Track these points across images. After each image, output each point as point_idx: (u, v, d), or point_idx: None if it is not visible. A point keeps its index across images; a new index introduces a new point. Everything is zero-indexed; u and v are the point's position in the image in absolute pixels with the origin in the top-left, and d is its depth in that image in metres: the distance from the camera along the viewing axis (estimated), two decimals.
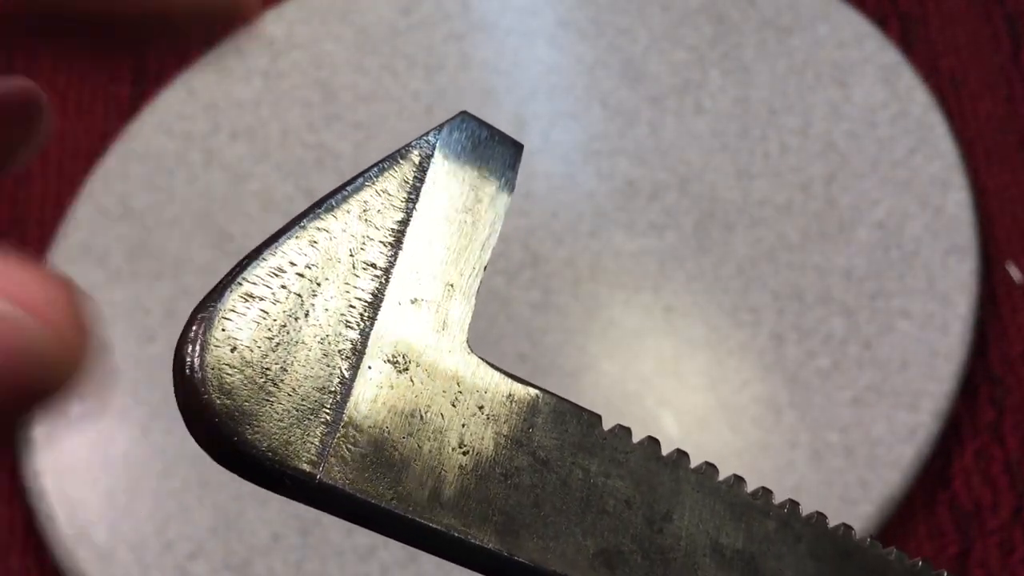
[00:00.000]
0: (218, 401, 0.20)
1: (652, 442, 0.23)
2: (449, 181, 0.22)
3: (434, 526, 0.20)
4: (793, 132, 0.59)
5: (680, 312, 0.56)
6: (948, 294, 0.54)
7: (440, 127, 0.23)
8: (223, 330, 0.20)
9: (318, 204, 0.22)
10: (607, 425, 0.23)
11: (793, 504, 0.24)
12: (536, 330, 0.55)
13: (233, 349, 0.20)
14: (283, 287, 0.21)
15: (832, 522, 0.24)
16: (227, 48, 0.66)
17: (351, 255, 0.21)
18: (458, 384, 0.21)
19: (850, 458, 0.51)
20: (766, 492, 0.24)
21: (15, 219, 0.63)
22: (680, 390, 0.54)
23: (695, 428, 0.52)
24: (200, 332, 0.20)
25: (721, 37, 0.62)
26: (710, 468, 0.23)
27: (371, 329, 0.21)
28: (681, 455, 0.23)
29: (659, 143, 0.60)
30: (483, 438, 0.21)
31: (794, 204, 0.57)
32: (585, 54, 0.63)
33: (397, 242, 0.22)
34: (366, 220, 0.22)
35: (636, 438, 0.23)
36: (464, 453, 0.21)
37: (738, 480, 0.23)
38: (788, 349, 0.54)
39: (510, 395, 0.22)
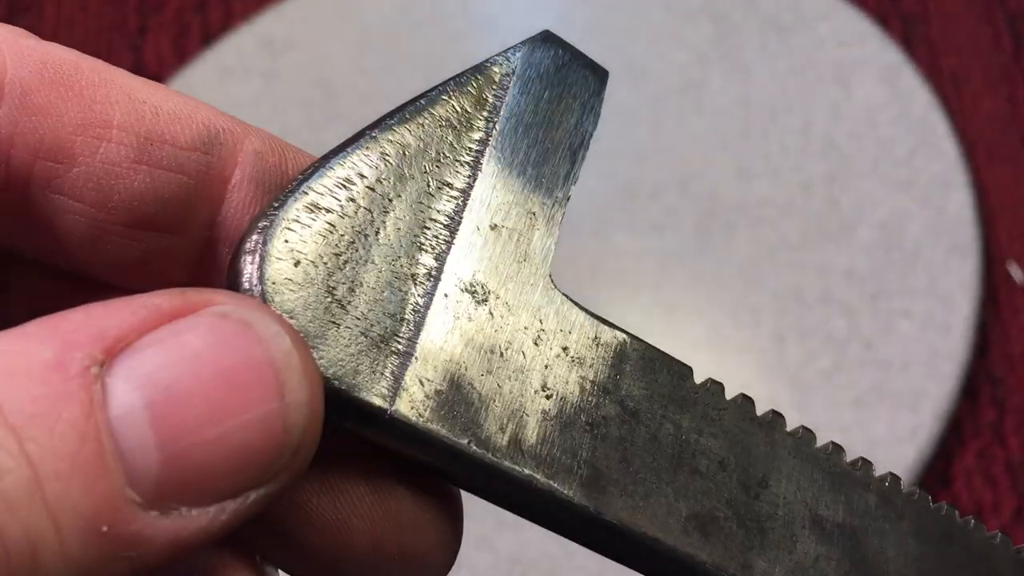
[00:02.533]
0: None
1: (746, 400, 0.21)
2: (530, 103, 0.21)
3: (515, 473, 0.18)
4: (794, 132, 0.59)
5: (681, 312, 0.55)
6: (949, 294, 0.53)
7: (520, 45, 0.21)
8: (286, 241, 0.18)
9: (390, 115, 0.20)
10: (698, 378, 0.21)
11: (895, 478, 0.22)
12: None
13: (296, 263, 0.18)
14: (351, 200, 0.19)
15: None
16: (227, 47, 0.66)
17: (425, 172, 0.20)
18: (541, 321, 0.20)
19: (851, 458, 0.51)
20: (866, 463, 0.22)
21: None
22: None
23: None
24: (260, 242, 0.18)
25: (722, 37, 0.62)
26: (807, 433, 0.21)
27: (447, 254, 0.19)
28: (776, 416, 0.21)
29: (660, 143, 0.60)
30: (567, 382, 0.19)
31: (795, 204, 0.57)
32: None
33: (475, 163, 0.20)
34: (442, 136, 0.20)
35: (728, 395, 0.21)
36: (547, 397, 0.19)
37: (836, 448, 0.21)
38: (789, 349, 0.54)
39: (596, 338, 0.20)
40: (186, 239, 0.21)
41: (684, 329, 0.55)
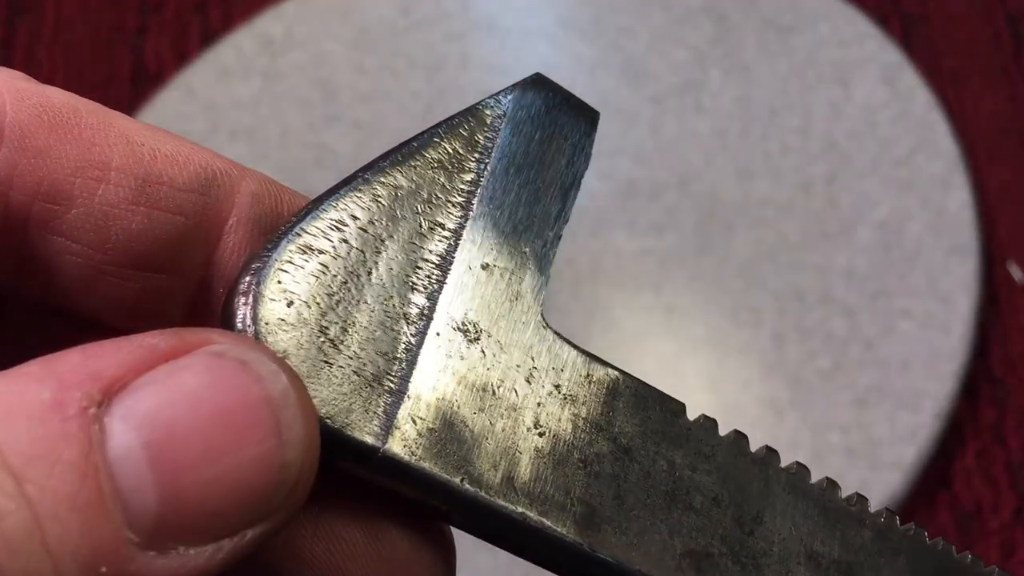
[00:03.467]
0: None
1: (739, 436, 0.21)
2: (521, 144, 0.21)
3: (509, 512, 0.19)
4: (794, 132, 0.59)
5: (681, 312, 0.55)
6: (949, 294, 0.53)
7: (510, 88, 0.21)
8: (279, 282, 0.18)
9: (382, 158, 0.20)
10: (691, 415, 0.21)
11: (890, 514, 0.22)
12: None
13: (290, 304, 0.18)
14: (344, 241, 0.19)
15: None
16: (226, 47, 0.66)
17: (417, 213, 0.20)
18: (533, 359, 0.20)
19: (851, 458, 0.51)
20: (861, 499, 0.22)
21: None
22: (681, 390, 0.53)
23: None
24: (254, 283, 0.18)
25: (722, 36, 0.62)
26: (801, 468, 0.21)
27: (439, 294, 0.19)
28: (770, 452, 0.21)
29: (659, 143, 0.60)
30: (560, 419, 0.19)
31: (795, 204, 0.57)
32: (585, 53, 0.63)
33: (467, 203, 0.20)
34: (434, 178, 0.20)
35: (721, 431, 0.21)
36: (540, 434, 0.19)
37: (831, 484, 0.21)
38: (789, 349, 0.54)
39: (588, 375, 0.20)
40: (181, 279, 0.21)
41: (684, 329, 0.55)
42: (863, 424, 0.51)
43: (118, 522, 0.16)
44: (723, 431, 0.21)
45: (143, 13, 0.69)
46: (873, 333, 0.53)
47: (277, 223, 0.21)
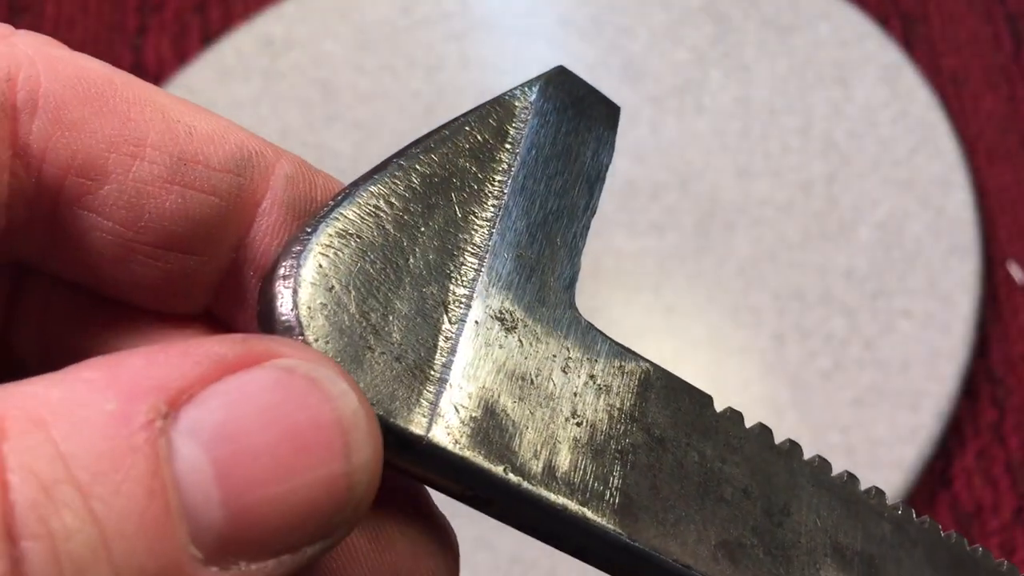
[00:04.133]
0: (316, 344, 0.18)
1: (764, 429, 0.21)
2: (549, 135, 0.21)
3: (550, 501, 0.18)
4: (794, 132, 0.59)
5: (680, 312, 0.55)
6: (949, 294, 0.53)
7: (536, 80, 0.21)
8: (320, 266, 0.18)
9: (415, 144, 0.20)
10: (718, 407, 0.21)
11: (906, 507, 0.22)
12: None
13: (330, 289, 0.18)
14: (381, 227, 0.19)
15: None
16: (226, 47, 0.66)
17: (452, 202, 0.20)
18: (568, 349, 0.20)
19: (851, 458, 0.51)
20: (879, 492, 0.22)
21: None
22: None
23: None
24: (294, 267, 0.18)
25: (722, 36, 0.62)
26: (823, 462, 0.22)
27: (476, 282, 0.19)
28: (794, 445, 0.21)
29: (659, 143, 0.60)
30: (596, 409, 0.19)
31: (795, 204, 0.57)
32: (585, 53, 0.63)
33: (500, 193, 0.20)
34: (466, 167, 0.20)
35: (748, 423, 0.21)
36: (578, 424, 0.19)
37: (851, 477, 0.22)
38: (789, 349, 0.54)
39: (621, 366, 0.20)
40: (212, 261, 0.21)
41: (684, 329, 0.55)
42: (863, 424, 0.51)
43: (183, 539, 0.15)
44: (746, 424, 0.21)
45: (143, 13, 0.69)
46: (873, 333, 0.53)
47: (310, 207, 0.21)
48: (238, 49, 0.66)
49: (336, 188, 0.21)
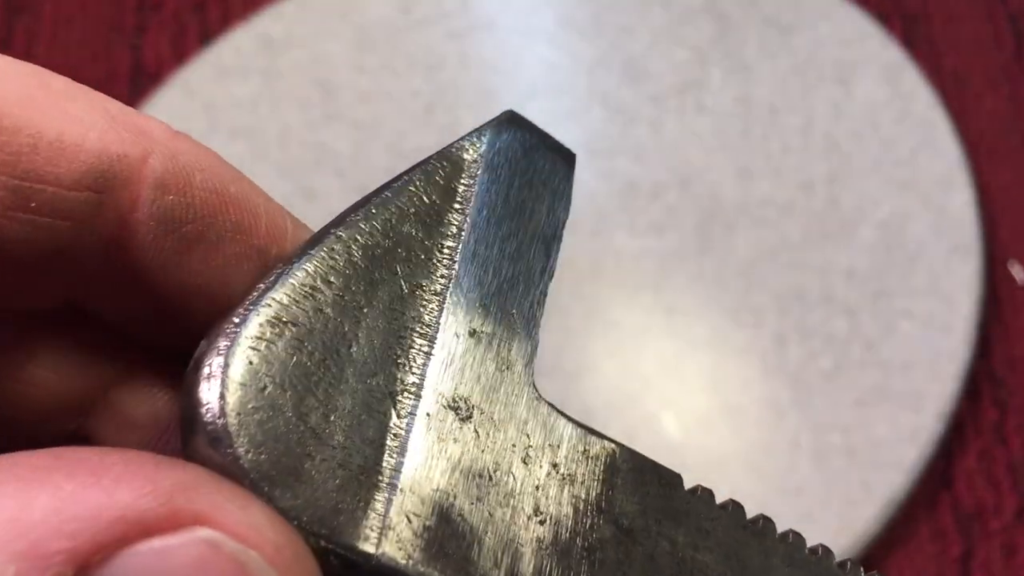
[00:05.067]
0: (248, 457, 0.16)
1: (736, 507, 0.20)
2: (500, 192, 0.19)
3: None
4: (795, 131, 0.59)
5: (681, 312, 0.55)
6: (951, 294, 0.53)
7: (485, 128, 0.20)
8: (250, 363, 0.16)
9: (354, 210, 0.18)
10: (688, 483, 0.20)
11: None
12: None
13: (263, 389, 0.16)
14: (319, 311, 0.17)
15: (835, 524, 0.23)
16: (225, 46, 0.66)
17: (397, 275, 0.18)
18: (528, 436, 0.18)
19: (852, 459, 0.50)
20: (855, 565, 0.21)
21: None
22: (681, 391, 0.53)
23: (696, 429, 0.52)
24: (220, 366, 0.16)
25: (722, 36, 0.62)
26: (797, 537, 0.20)
27: (427, 367, 0.18)
28: (767, 521, 0.20)
29: (660, 143, 0.60)
30: (560, 503, 0.18)
31: (796, 204, 0.57)
32: (585, 53, 0.63)
33: (450, 262, 0.18)
34: (412, 234, 0.18)
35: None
36: (541, 522, 0.17)
37: (825, 551, 0.21)
38: (790, 350, 0.53)
39: (585, 451, 0.18)
40: (79, 281, 0.18)
41: (684, 329, 0.55)
42: (864, 425, 0.51)
43: None
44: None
45: (142, 12, 0.68)
46: (874, 333, 0.53)
47: (188, 215, 0.18)
48: (237, 49, 0.66)
49: (218, 182, 0.18)
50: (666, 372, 0.54)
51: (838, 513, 0.49)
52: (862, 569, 0.21)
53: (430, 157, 0.19)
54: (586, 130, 0.61)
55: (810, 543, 0.21)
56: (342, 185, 0.59)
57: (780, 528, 0.21)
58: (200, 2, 0.68)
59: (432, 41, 0.64)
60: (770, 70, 0.60)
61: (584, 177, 0.59)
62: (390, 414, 0.17)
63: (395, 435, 0.17)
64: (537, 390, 0.19)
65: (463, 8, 0.65)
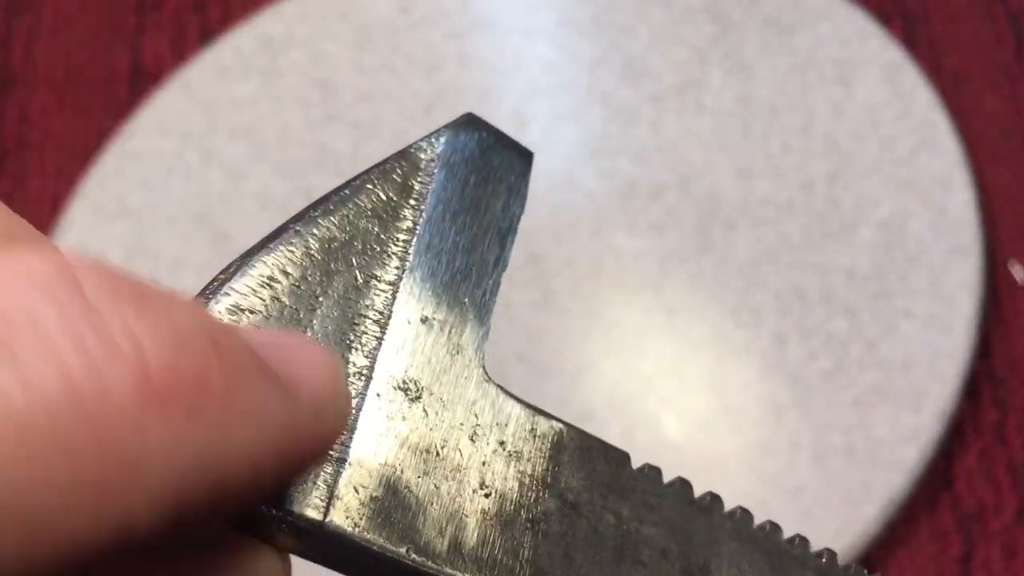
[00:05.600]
0: None
1: (684, 484, 0.21)
2: (456, 188, 0.20)
3: None
4: (795, 131, 0.59)
5: (681, 312, 0.55)
6: (951, 294, 0.53)
7: (443, 130, 0.20)
8: None
9: (313, 207, 0.19)
10: (635, 462, 0.20)
11: (831, 554, 0.22)
12: (536, 330, 0.55)
13: None
14: (276, 299, 0.18)
15: (835, 524, 0.23)
16: (225, 46, 0.66)
17: (352, 266, 0.19)
18: (476, 416, 0.19)
19: (852, 459, 0.50)
20: (803, 540, 0.21)
21: None
22: (681, 391, 0.53)
23: (696, 429, 0.52)
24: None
25: (722, 36, 0.62)
26: (745, 514, 0.21)
27: (378, 351, 0.18)
28: (714, 499, 0.21)
29: (660, 142, 0.60)
30: (506, 478, 0.19)
31: (796, 204, 0.57)
32: (585, 53, 0.63)
33: (404, 253, 0.19)
34: (368, 228, 0.19)
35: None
36: (486, 495, 0.18)
37: (774, 527, 0.21)
38: (790, 350, 0.53)
39: (532, 429, 0.19)
40: None
41: (684, 329, 0.55)
42: (864, 425, 0.51)
43: None
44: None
45: (142, 12, 0.68)
46: (874, 333, 0.53)
47: None
48: (237, 48, 0.66)
49: None
50: (666, 372, 0.54)
51: (838, 513, 0.49)
52: (809, 543, 0.21)
53: (388, 157, 0.20)
54: (586, 130, 0.61)
55: (810, 542, 0.21)
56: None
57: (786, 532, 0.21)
58: (200, 2, 0.68)
59: (432, 41, 0.64)
60: (770, 70, 0.60)
61: (584, 177, 0.59)
62: None
63: None
64: (487, 373, 0.19)
65: (463, 8, 0.65)
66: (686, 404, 0.53)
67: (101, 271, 0.14)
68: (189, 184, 0.62)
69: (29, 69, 0.66)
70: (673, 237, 0.57)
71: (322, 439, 0.17)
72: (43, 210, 0.62)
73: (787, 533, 0.21)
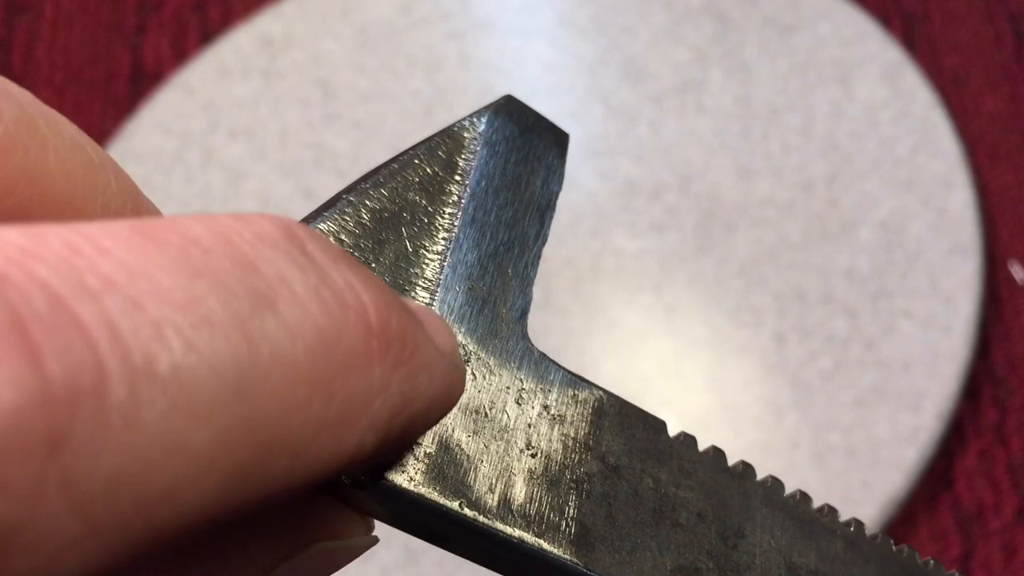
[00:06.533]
0: None
1: (718, 452, 0.21)
2: (498, 166, 0.21)
3: (507, 535, 0.18)
4: (795, 131, 0.59)
5: (681, 312, 0.55)
6: (951, 294, 0.53)
7: (485, 110, 0.21)
8: None
9: (364, 179, 0.20)
10: (672, 431, 0.21)
11: (859, 524, 0.22)
12: (536, 330, 0.55)
13: None
14: None
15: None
16: (226, 46, 0.66)
17: (403, 236, 0.20)
18: (521, 380, 0.20)
19: (852, 459, 0.51)
20: (832, 510, 0.22)
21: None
22: (681, 391, 0.53)
23: (696, 429, 0.52)
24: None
25: (722, 36, 0.62)
26: (776, 482, 0.22)
27: None
28: (747, 467, 0.21)
29: (660, 142, 0.60)
30: (551, 440, 0.19)
31: (796, 204, 0.57)
32: (586, 53, 0.63)
33: (450, 226, 0.20)
34: (416, 200, 0.20)
35: (701, 447, 0.21)
36: (532, 456, 0.19)
37: (804, 496, 0.22)
38: (790, 349, 0.53)
39: (575, 395, 0.20)
40: None
41: (684, 329, 0.55)
42: (864, 424, 0.51)
43: None
44: (710, 440, 0.22)
45: (142, 12, 0.68)
46: (874, 333, 0.53)
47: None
48: (237, 48, 0.66)
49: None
50: (666, 372, 0.54)
51: None
52: (837, 512, 0.22)
53: (433, 135, 0.21)
54: (586, 130, 0.61)
55: (838, 512, 0.22)
56: (342, 185, 0.59)
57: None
58: (200, 2, 0.68)
59: (432, 41, 0.64)
60: (770, 70, 0.61)
61: (584, 177, 0.59)
62: None
63: None
64: (530, 340, 0.20)
65: (463, 8, 0.65)
66: (686, 404, 0.53)
67: (313, 233, 0.15)
68: (189, 184, 0.62)
69: (30, 69, 0.66)
70: (673, 237, 0.57)
71: (456, 394, 0.18)
72: None
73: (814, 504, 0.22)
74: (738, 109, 0.60)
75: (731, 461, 0.22)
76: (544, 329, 0.55)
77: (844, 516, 0.22)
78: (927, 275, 0.54)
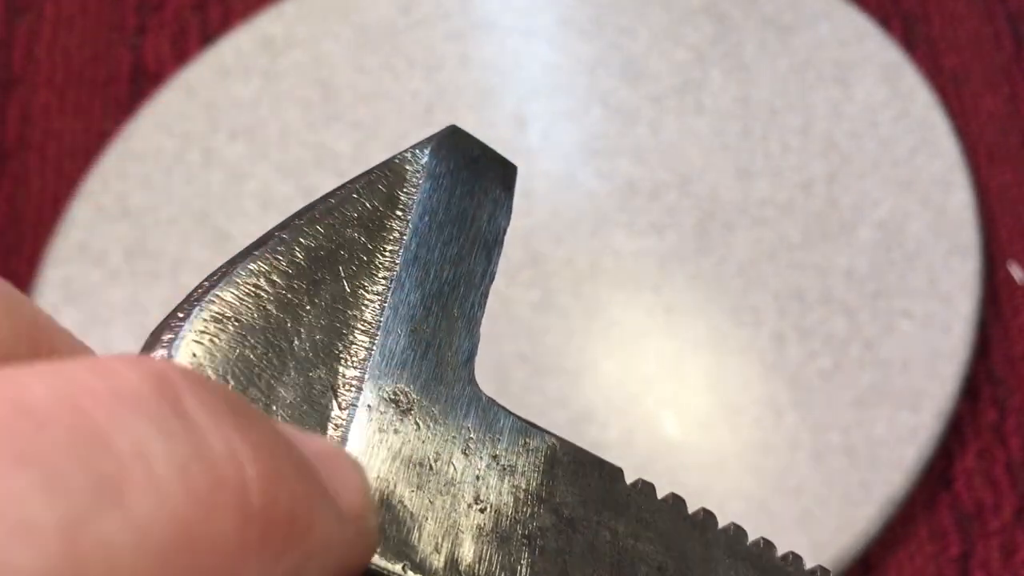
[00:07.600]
0: None
1: (677, 500, 0.20)
2: (442, 200, 0.20)
3: None
4: (794, 131, 0.59)
5: (681, 312, 0.55)
6: (950, 294, 0.53)
7: (428, 141, 0.20)
8: (193, 355, 0.17)
9: (298, 215, 0.19)
10: (629, 478, 0.20)
11: (824, 571, 0.21)
12: (536, 330, 0.55)
13: (206, 380, 0.16)
14: (263, 308, 0.18)
15: (834, 524, 0.23)
16: (226, 46, 0.66)
17: (340, 276, 0.18)
18: (468, 428, 0.18)
19: (851, 459, 0.51)
20: (796, 558, 0.21)
21: (13, 218, 0.62)
22: (681, 391, 0.53)
23: (696, 429, 0.52)
24: (164, 357, 0.17)
25: (722, 36, 0.62)
26: (739, 530, 0.21)
27: (368, 362, 0.18)
28: (708, 515, 0.21)
29: (659, 143, 0.60)
30: (501, 492, 0.18)
31: (795, 204, 0.57)
32: (585, 53, 0.63)
33: (391, 264, 0.19)
34: (354, 238, 0.19)
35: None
36: (481, 511, 0.18)
37: (767, 544, 0.21)
38: (789, 349, 0.54)
39: (526, 443, 0.19)
40: None
41: (684, 329, 0.55)
42: (863, 424, 0.51)
43: None
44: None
45: (142, 12, 0.68)
46: (873, 333, 0.53)
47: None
48: (238, 49, 0.66)
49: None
50: (666, 372, 0.54)
51: (837, 513, 0.49)
52: (802, 561, 0.21)
53: (372, 168, 0.20)
54: (586, 130, 0.61)
55: (810, 542, 0.21)
56: None
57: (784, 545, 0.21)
58: (200, 2, 0.68)
59: (432, 41, 0.65)
60: (770, 70, 0.61)
61: (584, 177, 0.59)
62: (331, 406, 0.18)
63: (337, 425, 0.18)
64: (478, 385, 0.19)
65: (463, 8, 0.65)
66: (686, 404, 0.53)
67: (194, 381, 0.14)
68: (190, 184, 0.62)
69: (30, 69, 0.66)
70: (672, 237, 0.57)
71: (367, 559, 0.16)
72: (44, 210, 0.63)
73: (786, 533, 0.22)
74: (737, 109, 0.60)
75: (699, 502, 0.21)
76: (544, 329, 0.55)
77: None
78: (926, 275, 0.54)
